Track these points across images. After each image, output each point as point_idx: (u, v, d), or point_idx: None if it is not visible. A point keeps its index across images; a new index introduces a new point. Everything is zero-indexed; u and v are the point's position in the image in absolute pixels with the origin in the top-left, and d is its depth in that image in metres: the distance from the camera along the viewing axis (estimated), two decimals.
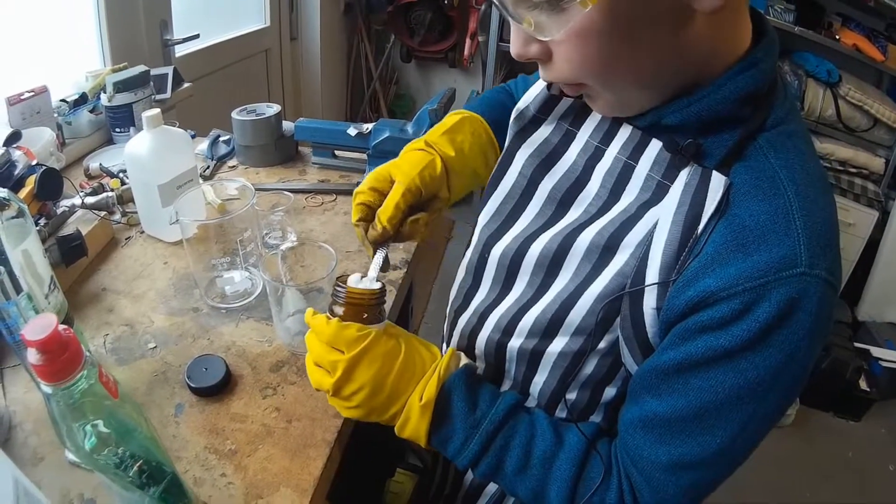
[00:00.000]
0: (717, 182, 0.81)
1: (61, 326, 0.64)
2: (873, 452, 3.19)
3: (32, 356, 0.62)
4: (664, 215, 0.85)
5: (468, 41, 4.47)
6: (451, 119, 1.21)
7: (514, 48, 0.85)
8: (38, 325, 0.62)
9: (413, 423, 0.94)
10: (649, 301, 0.85)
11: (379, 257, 1.04)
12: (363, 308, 0.93)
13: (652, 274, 0.85)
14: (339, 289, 0.94)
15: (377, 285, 0.95)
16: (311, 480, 0.99)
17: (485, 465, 0.96)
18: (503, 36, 4.08)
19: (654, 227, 0.86)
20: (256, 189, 1.34)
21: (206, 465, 1.00)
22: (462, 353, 1.01)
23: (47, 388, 0.65)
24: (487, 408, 0.96)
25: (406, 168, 1.08)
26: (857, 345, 3.46)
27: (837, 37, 3.57)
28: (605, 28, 0.75)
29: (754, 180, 0.81)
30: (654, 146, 0.91)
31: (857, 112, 3.66)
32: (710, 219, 0.81)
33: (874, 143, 3.76)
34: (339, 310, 0.94)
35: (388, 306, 1.34)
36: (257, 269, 1.38)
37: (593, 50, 0.78)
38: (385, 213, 1.03)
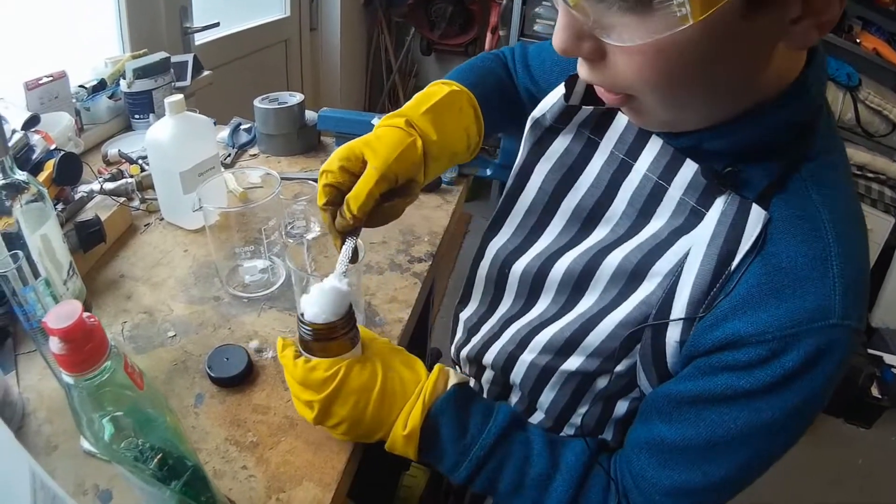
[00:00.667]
0: (756, 216, 0.78)
1: (86, 314, 0.61)
2: (883, 459, 3.16)
3: (55, 345, 0.59)
4: (697, 245, 0.82)
5: (489, 35, 4.43)
6: (435, 92, 1.06)
7: (561, 42, 0.73)
8: (62, 313, 0.59)
9: (399, 448, 0.94)
10: (673, 334, 0.84)
11: (347, 249, 0.95)
12: (331, 341, 0.91)
13: (679, 307, 0.83)
14: (303, 326, 0.90)
15: (345, 287, 0.90)
16: (335, 475, 0.97)
17: (478, 485, 0.95)
18: (524, 30, 4.05)
19: (685, 257, 0.84)
20: (281, 178, 1.32)
21: (226, 458, 0.98)
22: (451, 370, 0.98)
23: (69, 379, 0.62)
24: (478, 431, 0.94)
25: (382, 150, 0.93)
26: (870, 351, 3.43)
27: (858, 40, 3.53)
28: (697, 48, 0.66)
29: (794, 218, 0.78)
30: (689, 167, 0.87)
31: (876, 117, 3.61)
32: (745, 255, 0.78)
33: (892, 148, 3.71)
34: (306, 344, 0.92)
35: (413, 299, 1.32)
36: (280, 258, 1.36)
37: (671, 67, 0.68)
38: (356, 201, 0.91)
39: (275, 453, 0.99)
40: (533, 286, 1.05)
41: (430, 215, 1.66)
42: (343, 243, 0.96)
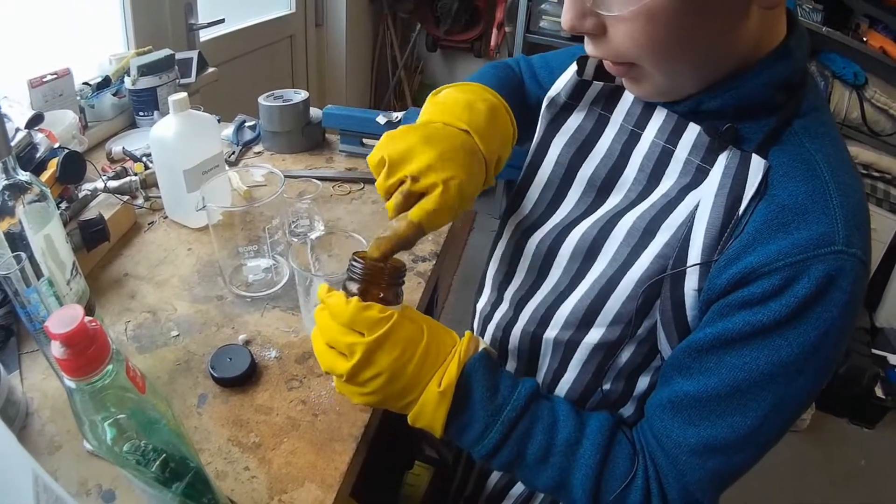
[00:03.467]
0: (757, 165, 0.83)
1: (87, 318, 0.61)
2: (886, 460, 3.15)
3: (56, 350, 0.59)
4: (705, 197, 0.87)
5: (495, 31, 4.44)
6: (482, 104, 0.99)
7: (568, 20, 0.83)
8: (64, 318, 0.59)
9: (429, 410, 0.88)
10: (690, 282, 0.87)
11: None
12: (384, 287, 0.88)
13: (694, 255, 0.86)
14: (356, 264, 0.87)
15: (397, 263, 0.90)
16: (337, 476, 0.97)
17: (505, 454, 0.92)
18: (530, 27, 4.04)
19: (696, 209, 0.88)
20: (286, 176, 1.31)
21: (228, 458, 0.98)
22: (480, 338, 0.97)
23: (71, 383, 0.62)
24: (509, 393, 0.92)
25: (468, 182, 0.90)
26: (874, 351, 3.42)
27: (864, 38, 3.52)
28: (679, 10, 0.75)
29: (792, 163, 0.83)
30: (692, 130, 0.93)
31: (883, 115, 3.60)
32: (750, 200, 0.83)
33: None
34: (356, 286, 0.88)
35: (416, 298, 1.33)
36: (284, 257, 1.36)
37: (661, 31, 0.78)
38: (430, 223, 0.89)
39: (277, 454, 0.99)
40: (545, 259, 1.06)
41: None
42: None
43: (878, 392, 3.22)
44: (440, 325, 0.94)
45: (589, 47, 0.88)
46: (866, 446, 3.22)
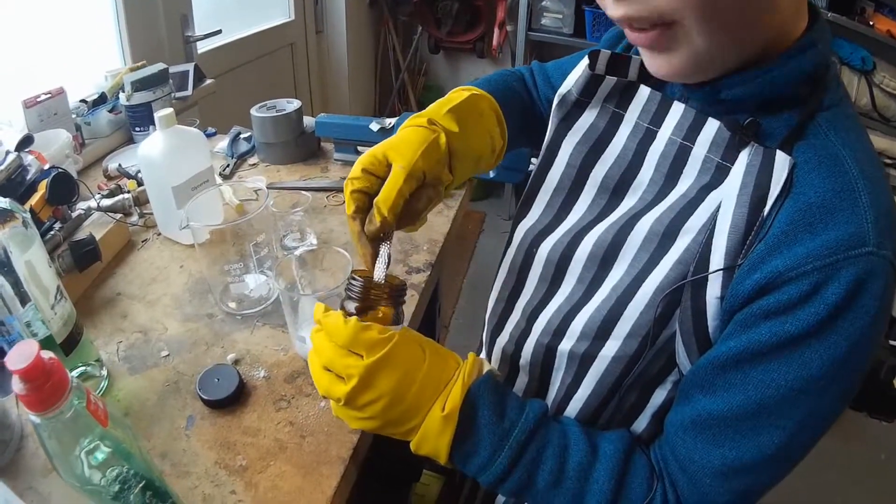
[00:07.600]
0: (782, 161, 0.78)
1: (45, 354, 0.60)
2: None
3: (17, 386, 0.60)
4: (727, 197, 0.82)
5: (496, 31, 4.42)
6: (455, 97, 1.04)
7: None
8: (20, 353, 0.59)
9: (433, 436, 0.83)
10: (713, 290, 0.82)
11: (384, 253, 0.90)
12: (384, 306, 0.85)
13: (716, 260, 0.81)
14: (355, 283, 0.84)
15: (396, 282, 0.86)
16: (324, 500, 0.95)
17: (514, 480, 0.88)
18: (531, 25, 4.03)
19: (717, 211, 0.83)
20: (276, 188, 1.30)
21: (216, 482, 0.97)
22: (484, 359, 0.92)
23: (35, 418, 0.62)
24: (517, 416, 0.87)
25: (406, 149, 0.91)
26: (892, 342, 3.36)
27: (871, 23, 3.47)
28: None
29: (817, 158, 0.78)
30: (711, 126, 0.88)
31: (893, 101, 3.55)
32: (776, 199, 0.78)
33: None
34: (354, 306, 0.84)
35: (409, 311, 1.31)
36: (273, 273, 1.35)
37: None
38: (386, 202, 0.87)
39: (264, 477, 0.98)
40: (558, 267, 1.02)
41: (430, 221, 1.62)
42: (375, 251, 0.91)
43: None
44: (441, 347, 0.90)
45: (619, 8, 0.78)
46: (886, 440, 3.18)
